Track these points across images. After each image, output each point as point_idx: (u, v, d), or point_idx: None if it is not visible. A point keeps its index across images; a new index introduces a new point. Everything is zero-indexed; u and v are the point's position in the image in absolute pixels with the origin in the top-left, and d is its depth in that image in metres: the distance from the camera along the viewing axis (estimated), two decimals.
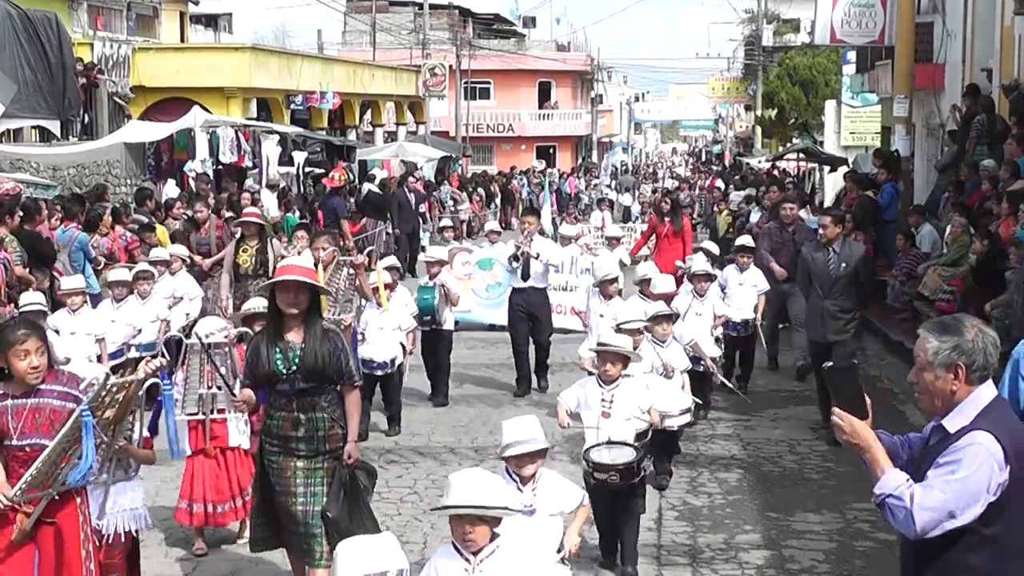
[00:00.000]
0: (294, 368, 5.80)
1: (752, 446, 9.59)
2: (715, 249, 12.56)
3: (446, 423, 10.46)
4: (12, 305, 10.03)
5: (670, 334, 8.33)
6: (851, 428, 3.81)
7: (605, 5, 77.50)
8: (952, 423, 3.77)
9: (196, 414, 6.96)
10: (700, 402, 9.57)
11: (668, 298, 9.55)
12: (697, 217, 26.53)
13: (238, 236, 11.54)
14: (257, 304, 7.61)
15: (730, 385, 10.41)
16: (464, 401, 11.30)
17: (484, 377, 12.39)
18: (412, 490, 8.47)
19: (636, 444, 6.69)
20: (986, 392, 3.81)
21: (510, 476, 5.35)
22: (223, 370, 6.66)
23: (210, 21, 40.82)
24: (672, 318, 8.54)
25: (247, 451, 7.10)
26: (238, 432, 7.10)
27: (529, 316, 11.43)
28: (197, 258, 12.68)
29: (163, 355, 6.55)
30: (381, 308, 9.74)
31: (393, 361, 9.78)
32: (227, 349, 6.92)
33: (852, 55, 28.87)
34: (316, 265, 8.52)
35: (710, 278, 10.47)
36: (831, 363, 4.33)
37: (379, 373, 9.74)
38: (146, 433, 5.69)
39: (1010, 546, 3.68)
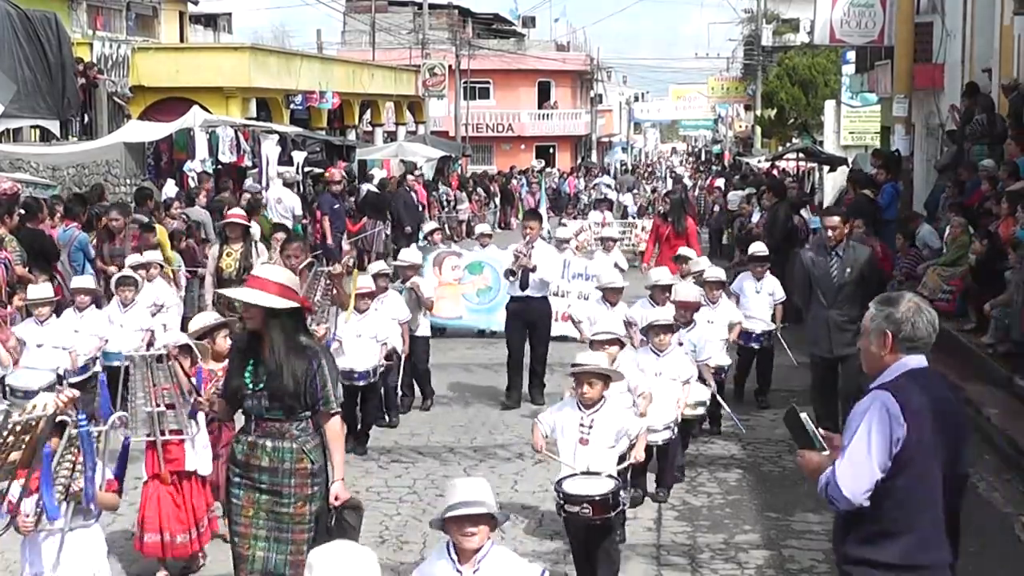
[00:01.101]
0: (261, 385, 5.26)
1: (752, 446, 9.59)
2: (722, 275, 10.92)
3: (445, 423, 10.46)
4: (11, 306, 10.04)
5: (668, 344, 7.91)
6: (808, 467, 4.23)
7: (604, 5, 77.53)
8: (874, 384, 4.08)
9: (148, 436, 6.31)
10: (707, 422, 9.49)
11: (693, 308, 8.92)
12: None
13: (221, 238, 11.15)
14: (207, 319, 7.14)
15: (735, 419, 9.73)
16: (463, 401, 11.30)
17: (484, 377, 12.39)
18: (411, 490, 8.47)
19: (615, 475, 6.17)
20: (912, 362, 4.05)
21: (448, 553, 4.25)
22: (169, 387, 6.10)
23: (209, 21, 40.82)
24: (672, 328, 8.06)
25: (205, 478, 6.60)
26: (195, 455, 6.46)
27: (527, 325, 10.99)
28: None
29: (97, 378, 6.28)
30: (345, 317, 9.17)
31: (375, 370, 9.34)
32: (169, 365, 6.16)
33: (851, 55, 28.89)
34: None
35: (722, 285, 10.14)
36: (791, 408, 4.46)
37: (360, 383, 9.23)
38: (110, 475, 5.16)
39: (916, 495, 3.95)
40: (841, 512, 4.09)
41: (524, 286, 10.79)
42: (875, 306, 4.15)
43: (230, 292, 5.66)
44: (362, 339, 9.35)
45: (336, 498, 5.31)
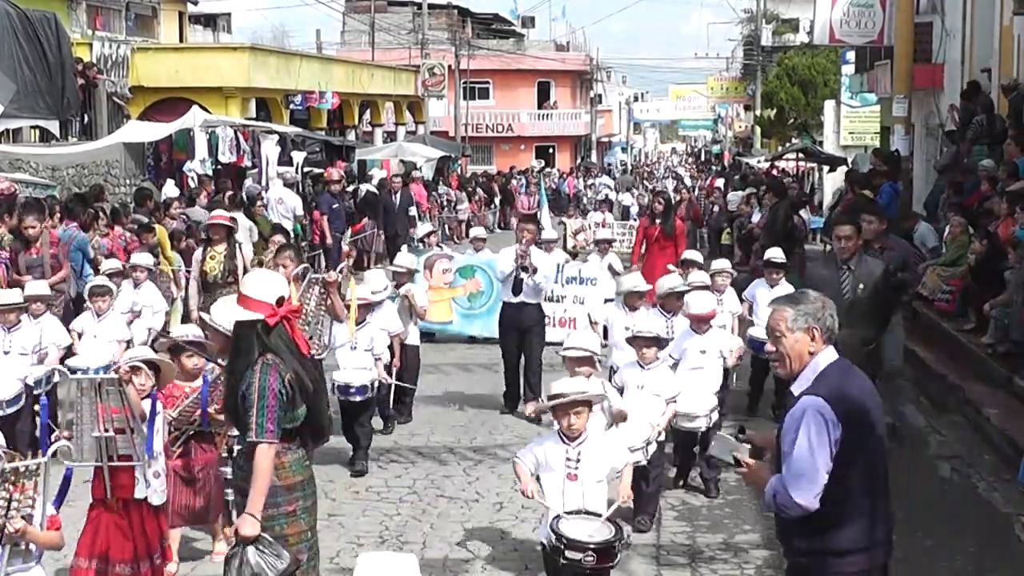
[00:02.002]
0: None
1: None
2: (698, 258, 11.35)
3: (445, 423, 10.45)
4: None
5: (654, 358, 7.57)
6: (752, 479, 4.43)
7: (604, 5, 77.56)
8: (797, 388, 4.24)
9: (96, 462, 5.67)
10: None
11: (706, 319, 8.37)
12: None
13: (205, 241, 10.89)
14: (187, 332, 6.85)
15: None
16: (463, 401, 11.29)
17: (484, 377, 12.38)
18: (411, 490, 8.46)
19: (613, 518, 5.71)
20: (825, 357, 4.23)
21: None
22: (119, 411, 5.55)
23: (209, 21, 40.82)
24: (660, 341, 7.68)
25: (159, 508, 5.94)
26: (146, 483, 5.80)
27: (520, 332, 10.68)
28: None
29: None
30: (348, 329, 8.70)
31: (373, 384, 8.95)
32: (118, 386, 5.58)
33: (851, 55, 28.92)
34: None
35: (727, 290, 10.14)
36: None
37: (358, 399, 8.83)
38: (51, 511, 4.76)
39: (859, 485, 4.16)
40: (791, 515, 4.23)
41: (517, 292, 10.54)
42: (790, 307, 4.27)
43: (206, 316, 5.31)
44: (357, 352, 9.01)
45: (236, 532, 4.80)
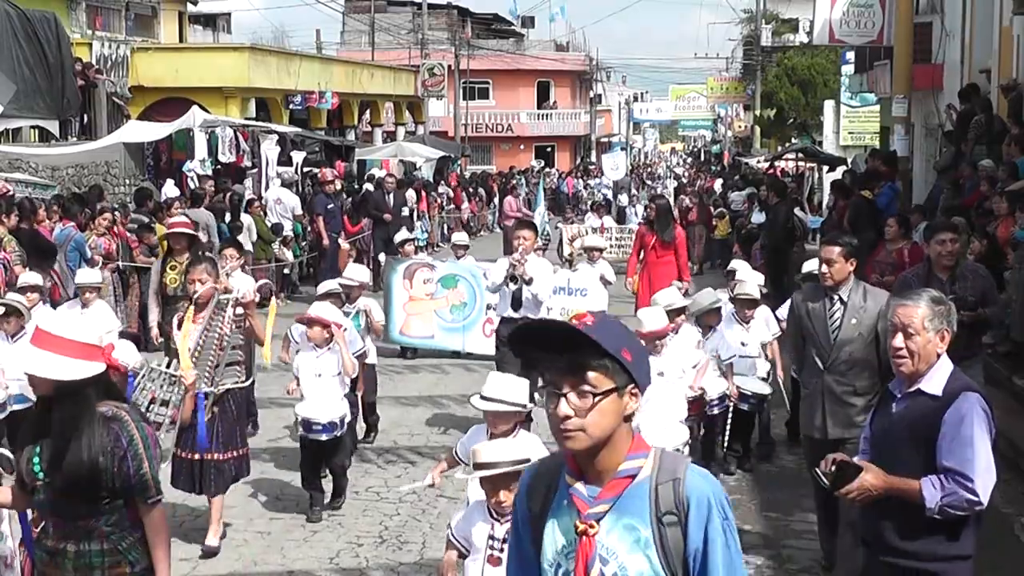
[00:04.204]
0: (44, 474, 4.01)
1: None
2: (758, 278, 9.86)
3: (445, 423, 10.45)
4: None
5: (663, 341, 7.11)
6: (864, 494, 4.23)
7: (604, 5, 77.54)
8: (929, 386, 4.20)
9: None
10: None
11: (659, 336, 7.33)
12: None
13: (164, 251, 10.24)
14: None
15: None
16: (464, 402, 11.28)
17: (484, 376, 12.33)
18: (411, 489, 8.46)
19: None
20: (947, 359, 4.26)
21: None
22: None
23: (208, 21, 40.83)
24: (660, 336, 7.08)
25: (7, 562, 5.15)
26: None
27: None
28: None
29: None
30: (263, 355, 7.87)
31: (343, 420, 7.73)
32: None
33: (851, 55, 28.92)
34: (190, 303, 7.11)
35: (755, 303, 8.96)
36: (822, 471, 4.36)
37: (324, 438, 7.66)
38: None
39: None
40: (910, 512, 4.16)
41: (517, 307, 9.38)
42: (925, 304, 4.19)
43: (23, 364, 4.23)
44: (323, 379, 7.74)
45: None
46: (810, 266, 9.05)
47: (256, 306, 7.51)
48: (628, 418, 2.69)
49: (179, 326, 7.09)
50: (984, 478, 4.12)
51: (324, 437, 7.65)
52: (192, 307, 7.10)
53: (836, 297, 6.37)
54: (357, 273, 9.80)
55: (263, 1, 61.83)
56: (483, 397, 5.40)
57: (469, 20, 53.19)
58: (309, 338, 7.78)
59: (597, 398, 2.60)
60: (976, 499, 4.11)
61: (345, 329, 8.00)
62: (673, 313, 7.91)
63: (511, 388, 5.36)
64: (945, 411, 4.13)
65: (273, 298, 9.51)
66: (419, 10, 45.95)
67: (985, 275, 7.58)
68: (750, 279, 9.50)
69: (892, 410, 4.30)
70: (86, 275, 9.88)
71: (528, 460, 4.25)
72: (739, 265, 10.48)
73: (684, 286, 11.75)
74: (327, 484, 8.06)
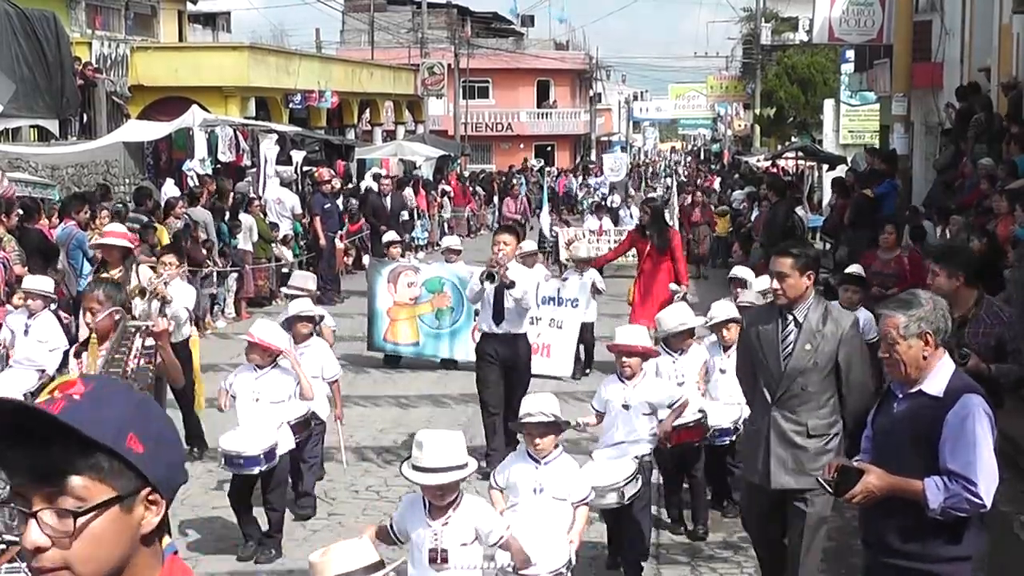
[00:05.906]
0: None
1: None
2: (750, 276, 9.40)
3: (445, 423, 10.43)
4: (10, 304, 10.02)
5: (639, 370, 6.37)
6: (868, 496, 4.22)
7: (604, 3, 77.58)
8: (931, 387, 4.20)
9: None
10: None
11: (625, 353, 6.43)
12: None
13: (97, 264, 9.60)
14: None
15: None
16: (463, 401, 11.28)
17: None
18: (411, 489, 8.44)
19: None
20: (948, 360, 4.27)
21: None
22: None
23: (208, 20, 40.81)
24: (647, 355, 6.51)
25: None
26: None
27: (504, 370, 8.68)
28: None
29: None
30: (198, 405, 7.32)
31: (273, 451, 6.75)
32: None
33: (850, 54, 28.92)
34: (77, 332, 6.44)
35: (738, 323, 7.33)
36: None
37: (252, 471, 6.74)
38: None
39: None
40: (912, 513, 4.18)
41: (499, 319, 8.67)
42: (901, 312, 4.19)
43: None
44: (260, 405, 6.88)
45: None
46: (761, 284, 8.11)
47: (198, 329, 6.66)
48: (148, 539, 1.82)
49: (76, 355, 6.11)
50: (987, 481, 4.16)
51: (252, 471, 6.73)
52: (93, 337, 5.98)
53: (791, 317, 5.38)
54: (300, 281, 9.27)
55: (263, 0, 61.89)
56: (418, 468, 4.58)
57: (469, 19, 53.20)
58: (248, 358, 6.95)
59: (85, 517, 1.71)
60: (980, 502, 4.15)
61: (302, 354, 7.41)
62: (680, 336, 7.29)
63: (452, 447, 4.59)
64: (947, 413, 4.13)
65: (194, 327, 8.42)
66: (419, 9, 45.96)
67: (1010, 319, 6.13)
68: (754, 284, 8.83)
69: (894, 410, 4.31)
70: (36, 281, 8.85)
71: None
72: (744, 273, 9.65)
73: (683, 290, 11.55)
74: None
